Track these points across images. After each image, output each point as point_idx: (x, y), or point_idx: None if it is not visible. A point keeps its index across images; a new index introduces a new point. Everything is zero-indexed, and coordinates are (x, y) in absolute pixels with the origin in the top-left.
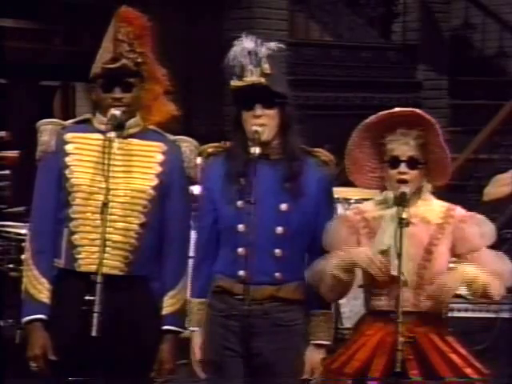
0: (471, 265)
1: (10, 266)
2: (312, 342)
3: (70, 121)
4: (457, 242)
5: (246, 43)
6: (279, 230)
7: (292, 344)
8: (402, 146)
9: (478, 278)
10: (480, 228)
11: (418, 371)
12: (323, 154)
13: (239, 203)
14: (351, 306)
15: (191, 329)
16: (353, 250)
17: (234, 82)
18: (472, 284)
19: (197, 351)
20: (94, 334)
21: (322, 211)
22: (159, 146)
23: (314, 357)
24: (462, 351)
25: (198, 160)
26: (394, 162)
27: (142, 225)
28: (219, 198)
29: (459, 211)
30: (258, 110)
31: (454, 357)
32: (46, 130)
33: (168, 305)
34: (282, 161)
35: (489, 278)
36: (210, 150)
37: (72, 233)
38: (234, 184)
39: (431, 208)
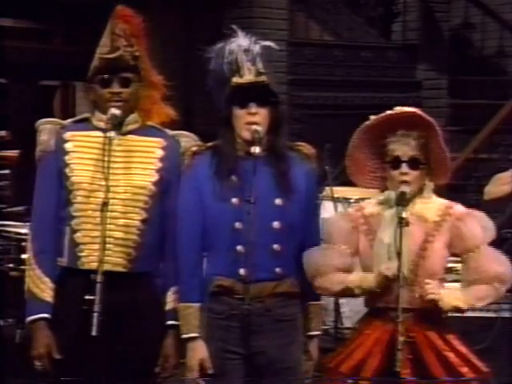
0: (458, 291)
1: (10, 265)
2: (305, 333)
3: (69, 120)
4: (453, 240)
5: (242, 41)
6: (276, 224)
7: (294, 338)
8: (403, 147)
9: (461, 306)
10: (478, 225)
11: (409, 370)
12: (305, 147)
13: (234, 200)
14: (351, 306)
15: (191, 335)
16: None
17: (236, 79)
18: (457, 310)
19: (198, 363)
20: (93, 333)
21: (310, 205)
22: (159, 141)
23: (310, 348)
24: (462, 349)
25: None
26: (396, 162)
27: (143, 221)
28: (210, 197)
29: (458, 208)
30: (253, 108)
31: (450, 355)
32: (45, 129)
33: (171, 300)
34: (269, 158)
35: (473, 298)
36: (194, 149)
37: (74, 231)
38: (226, 182)
39: (429, 206)
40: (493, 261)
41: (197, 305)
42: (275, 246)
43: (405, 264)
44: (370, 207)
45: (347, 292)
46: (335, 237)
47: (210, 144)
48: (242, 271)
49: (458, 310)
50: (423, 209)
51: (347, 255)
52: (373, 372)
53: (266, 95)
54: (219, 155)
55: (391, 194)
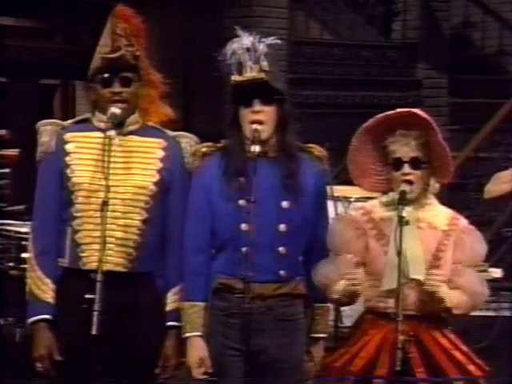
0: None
1: (10, 264)
2: (309, 335)
3: (70, 121)
4: (453, 250)
5: (245, 40)
6: (282, 227)
7: (296, 338)
8: (404, 148)
9: (438, 292)
10: (475, 245)
11: (423, 369)
12: (317, 149)
13: (241, 202)
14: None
15: (194, 334)
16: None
17: (235, 77)
18: (433, 295)
19: (200, 361)
20: (94, 332)
21: (320, 207)
22: (159, 142)
23: (313, 350)
24: (464, 348)
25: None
26: (397, 163)
27: (144, 221)
28: (218, 197)
29: (462, 221)
30: (257, 106)
31: (456, 354)
32: (46, 130)
33: (172, 301)
34: (280, 158)
35: (450, 292)
36: (203, 149)
37: (75, 231)
38: (233, 182)
39: (437, 213)
40: (476, 280)
41: (201, 304)
42: (281, 249)
43: (421, 265)
44: (379, 211)
45: (346, 299)
46: (340, 246)
47: (219, 144)
48: (245, 272)
49: (442, 303)
50: (432, 216)
51: (353, 265)
52: (387, 370)
53: (271, 93)
54: (228, 156)
55: (395, 196)
